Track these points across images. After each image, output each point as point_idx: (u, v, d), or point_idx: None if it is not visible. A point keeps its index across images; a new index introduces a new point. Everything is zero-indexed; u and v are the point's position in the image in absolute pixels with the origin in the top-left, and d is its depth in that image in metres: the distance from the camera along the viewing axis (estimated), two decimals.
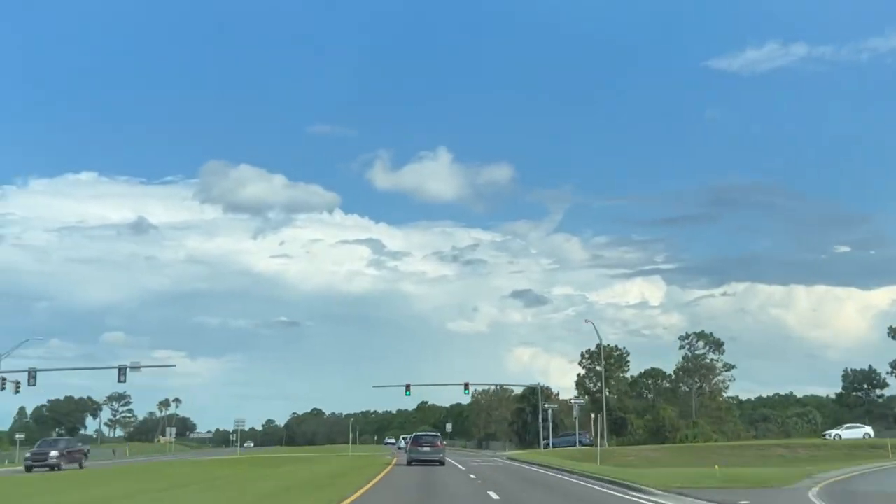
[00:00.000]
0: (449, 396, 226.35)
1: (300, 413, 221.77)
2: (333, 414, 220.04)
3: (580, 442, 74.47)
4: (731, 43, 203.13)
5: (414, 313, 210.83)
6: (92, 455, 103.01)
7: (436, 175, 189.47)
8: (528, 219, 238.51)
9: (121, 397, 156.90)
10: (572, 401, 69.96)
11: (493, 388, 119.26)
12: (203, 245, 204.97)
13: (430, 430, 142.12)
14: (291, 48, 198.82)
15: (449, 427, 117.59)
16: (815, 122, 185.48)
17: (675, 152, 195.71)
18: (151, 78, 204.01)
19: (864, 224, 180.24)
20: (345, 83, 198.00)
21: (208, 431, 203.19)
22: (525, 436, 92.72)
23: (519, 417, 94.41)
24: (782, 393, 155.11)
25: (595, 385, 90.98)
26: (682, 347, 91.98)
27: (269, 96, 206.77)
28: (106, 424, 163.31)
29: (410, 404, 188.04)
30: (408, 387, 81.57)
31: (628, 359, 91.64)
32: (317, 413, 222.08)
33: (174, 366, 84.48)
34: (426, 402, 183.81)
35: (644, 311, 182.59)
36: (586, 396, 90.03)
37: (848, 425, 75.52)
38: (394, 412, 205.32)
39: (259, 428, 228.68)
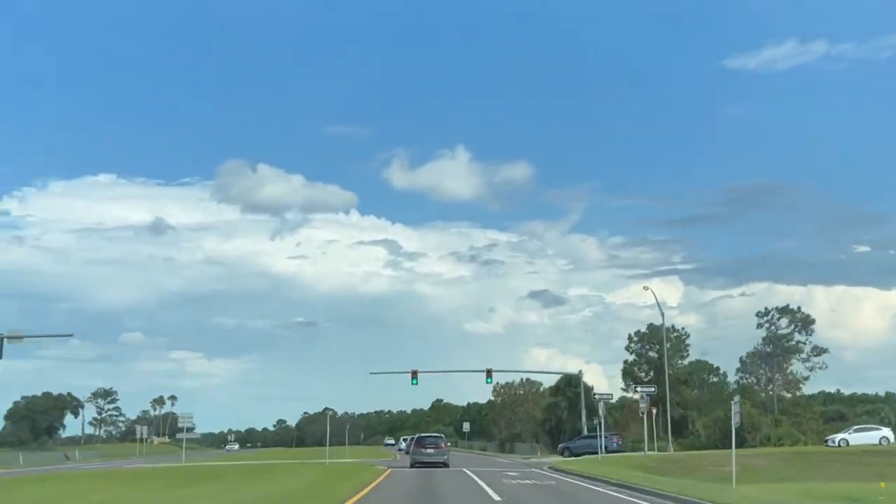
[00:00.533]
0: (465, 394, 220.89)
1: (311, 413, 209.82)
2: (346, 413, 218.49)
3: (606, 447, 55.37)
4: (748, 41, 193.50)
5: (430, 314, 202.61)
6: (42, 459, 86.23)
7: (453, 174, 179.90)
8: (545, 219, 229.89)
9: (107, 394, 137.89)
10: (638, 389, 50.24)
11: (518, 380, 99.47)
12: (221, 246, 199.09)
13: (446, 429, 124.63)
14: (308, 49, 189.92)
15: (467, 427, 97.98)
16: (834, 121, 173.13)
17: (692, 152, 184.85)
18: (169, 80, 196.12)
19: (883, 223, 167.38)
20: (363, 83, 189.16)
21: (211, 433, 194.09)
22: (560, 436, 72.91)
23: (552, 414, 74.75)
24: (828, 391, 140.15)
25: (647, 375, 71.22)
26: (760, 326, 71.64)
27: (286, 97, 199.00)
28: (90, 423, 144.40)
29: (424, 403, 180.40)
30: (414, 374, 62.53)
31: (688, 342, 71.54)
32: (329, 413, 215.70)
33: (71, 335, 65.82)
34: (441, 401, 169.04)
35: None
36: (636, 389, 70.31)
37: (858, 427, 56.42)
38: (408, 412, 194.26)
39: (271, 428, 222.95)
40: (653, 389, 51.78)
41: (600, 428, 49.13)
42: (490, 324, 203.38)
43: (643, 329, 73.70)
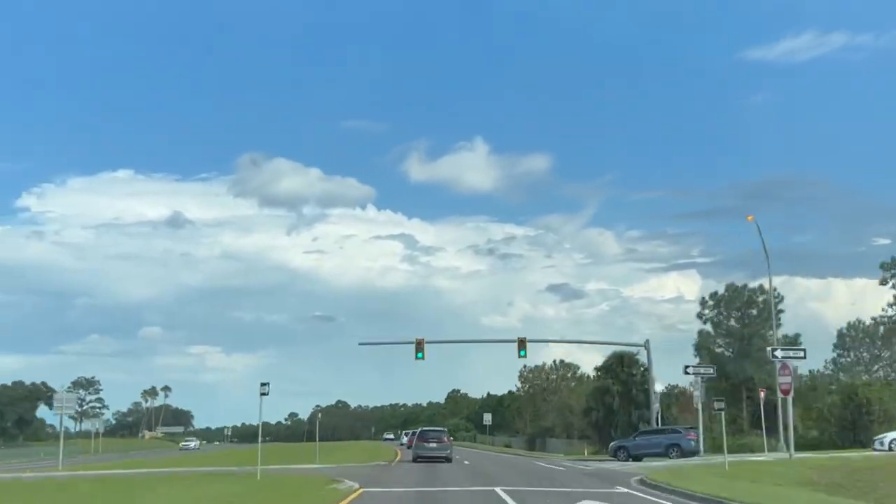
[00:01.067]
0: (483, 385, 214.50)
1: (324, 405, 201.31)
2: (360, 406, 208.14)
3: (679, 446, 37.42)
4: (766, 33, 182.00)
5: (447, 308, 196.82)
6: None
7: (472, 166, 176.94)
8: (562, 213, 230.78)
9: (88, 384, 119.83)
10: (777, 353, 30.74)
11: (549, 363, 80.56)
12: (238, 241, 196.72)
13: (463, 423, 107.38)
14: (325, 44, 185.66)
15: (488, 418, 79.51)
16: (853, 112, 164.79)
17: (710, 144, 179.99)
18: (186, 77, 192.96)
19: None
20: (382, 74, 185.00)
21: (224, 427, 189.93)
22: (611, 431, 54.22)
23: (600, 402, 55.63)
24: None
25: (730, 348, 52.35)
26: (884, 282, 51.84)
27: (304, 92, 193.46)
28: (71, 417, 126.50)
29: (440, 396, 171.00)
30: (419, 344, 44.33)
31: (781, 306, 52.12)
32: (342, 406, 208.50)
33: None
34: (458, 391, 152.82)
35: (680, 305, 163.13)
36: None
37: None
38: (424, 405, 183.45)
39: (284, 421, 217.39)
40: (802, 354, 32.39)
41: (698, 417, 30.58)
42: (508, 318, 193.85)
43: (720, 291, 54.52)
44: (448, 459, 37.57)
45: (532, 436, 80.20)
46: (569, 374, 79.14)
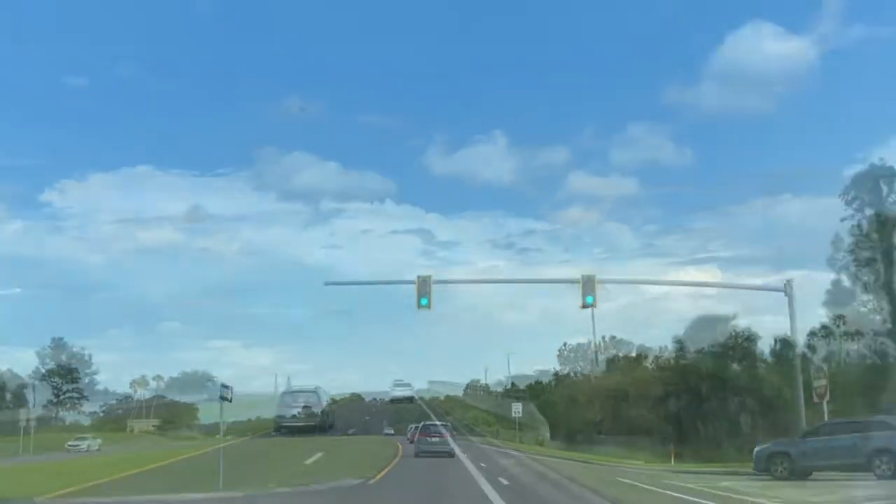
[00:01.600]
0: (508, 372, 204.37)
1: (337, 398, 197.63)
2: (375, 399, 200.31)
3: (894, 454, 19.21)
4: (785, 25, 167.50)
5: (463, 303, 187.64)
6: None
7: (492, 159, 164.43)
8: (579, 206, 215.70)
9: (67, 372, 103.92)
10: None
11: (599, 341, 62.78)
12: (257, 236, 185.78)
13: (483, 416, 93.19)
14: (340, 37, 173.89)
15: (518, 410, 62.16)
16: (871, 104, 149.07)
17: (729, 138, 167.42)
18: (201, 71, 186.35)
19: None
20: (400, 66, 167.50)
21: (239, 421, 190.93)
22: (698, 425, 36.73)
23: (683, 386, 38.27)
24: None
25: (881, 308, 34.68)
26: None
27: (321, 86, 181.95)
28: (43, 407, 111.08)
29: (458, 389, 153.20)
30: (423, 284, 27.54)
31: None
32: (355, 399, 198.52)
33: None
34: (478, 381, 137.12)
35: (698, 301, 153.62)
36: (854, 338, 33.91)
37: None
38: (441, 398, 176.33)
39: (297, 414, 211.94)
40: None
41: None
42: (525, 314, 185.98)
43: (860, 221, 36.49)
44: (450, 454, 36.67)
45: (572, 432, 62.68)
46: (620, 354, 61.61)
